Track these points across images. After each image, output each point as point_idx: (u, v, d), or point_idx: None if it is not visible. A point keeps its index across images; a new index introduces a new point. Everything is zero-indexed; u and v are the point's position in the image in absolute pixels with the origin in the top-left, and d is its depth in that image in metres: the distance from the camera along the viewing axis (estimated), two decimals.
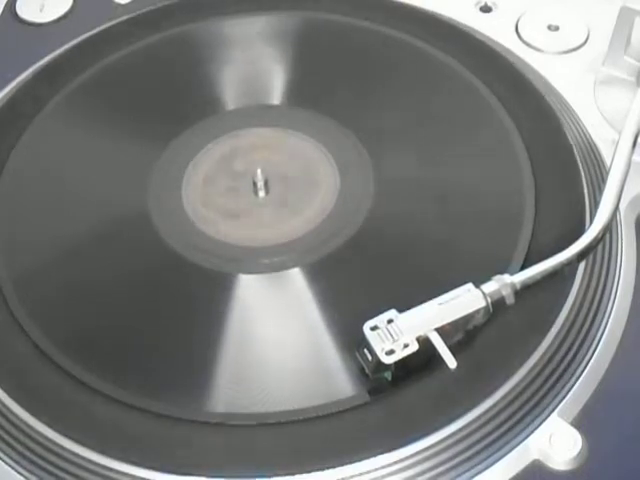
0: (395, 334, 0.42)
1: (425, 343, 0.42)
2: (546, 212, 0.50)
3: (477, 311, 0.43)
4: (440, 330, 0.42)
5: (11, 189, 0.54)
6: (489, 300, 0.43)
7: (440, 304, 0.43)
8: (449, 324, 0.43)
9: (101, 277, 0.50)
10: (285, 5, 0.63)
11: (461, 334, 0.44)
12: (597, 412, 0.44)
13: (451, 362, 0.41)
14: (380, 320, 0.43)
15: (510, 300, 0.44)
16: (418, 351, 0.42)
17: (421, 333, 0.42)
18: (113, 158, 0.56)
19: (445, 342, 0.42)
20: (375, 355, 0.42)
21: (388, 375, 0.43)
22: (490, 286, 0.44)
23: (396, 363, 0.42)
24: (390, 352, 0.42)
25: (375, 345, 0.42)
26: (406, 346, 0.42)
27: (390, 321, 0.43)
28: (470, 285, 0.44)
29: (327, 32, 0.62)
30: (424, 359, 0.42)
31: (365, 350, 0.43)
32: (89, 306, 0.49)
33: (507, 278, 0.44)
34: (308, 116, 0.58)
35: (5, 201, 0.54)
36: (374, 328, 0.43)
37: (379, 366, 0.42)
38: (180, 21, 0.63)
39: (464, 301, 0.43)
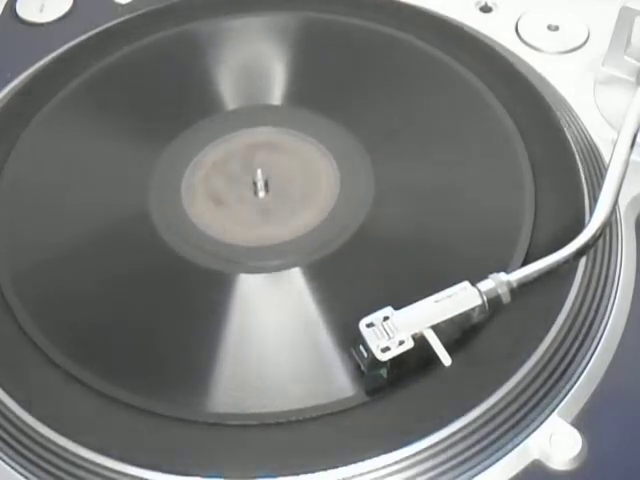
0: (390, 331, 0.42)
1: (421, 341, 0.42)
2: (546, 212, 0.50)
3: (473, 309, 0.43)
4: (436, 328, 0.42)
5: (11, 188, 0.54)
6: (485, 298, 0.43)
7: (436, 302, 0.43)
8: (444, 322, 0.43)
9: (101, 277, 0.50)
10: (285, 5, 0.63)
11: (458, 333, 0.44)
12: (597, 412, 0.44)
13: (446, 360, 0.41)
14: (376, 317, 0.43)
15: (506, 298, 0.44)
16: (414, 349, 0.42)
17: (416, 330, 0.42)
18: (113, 158, 0.56)
19: (441, 340, 0.42)
20: (370, 352, 0.42)
21: (384, 372, 0.43)
22: (486, 284, 0.44)
23: (392, 360, 0.42)
24: (385, 349, 0.42)
25: (370, 342, 0.42)
26: (401, 343, 0.42)
27: (386, 318, 0.43)
28: (466, 283, 0.44)
29: (327, 32, 0.62)
30: (421, 357, 0.42)
31: (361, 347, 0.43)
32: (90, 306, 0.49)
33: (503, 276, 0.44)
34: (308, 116, 0.58)
35: (5, 200, 0.54)
36: (370, 325, 0.43)
37: (374, 363, 0.42)
38: (180, 21, 0.63)
39: (460, 299, 0.43)
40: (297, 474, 0.41)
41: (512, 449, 0.42)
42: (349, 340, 0.44)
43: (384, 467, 0.41)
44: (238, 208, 0.54)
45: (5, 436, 0.44)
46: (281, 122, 0.58)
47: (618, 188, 0.48)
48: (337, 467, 0.41)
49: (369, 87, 0.59)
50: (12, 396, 0.44)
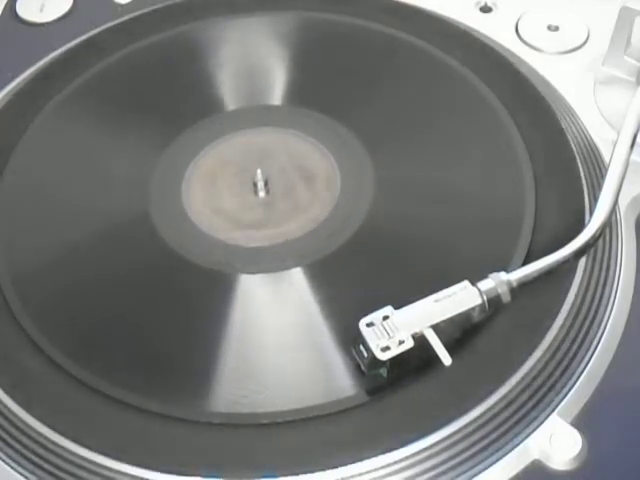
0: (390, 331, 0.42)
1: (421, 340, 0.42)
2: (546, 212, 0.50)
3: (473, 308, 0.43)
4: (436, 327, 0.42)
5: (12, 188, 0.54)
6: (485, 297, 0.43)
7: (436, 301, 0.43)
8: (444, 321, 0.43)
9: (101, 277, 0.50)
10: (285, 5, 0.63)
11: (458, 332, 0.44)
12: (597, 412, 0.43)
13: (446, 359, 0.41)
14: (376, 316, 0.43)
15: (506, 298, 0.44)
16: (414, 348, 0.42)
17: (416, 330, 0.42)
18: (113, 158, 0.56)
19: (441, 339, 0.42)
20: (370, 351, 0.42)
21: (384, 372, 0.43)
22: (486, 284, 0.44)
23: (392, 360, 0.42)
24: (385, 348, 0.42)
25: (370, 341, 0.42)
26: (401, 343, 0.42)
27: (386, 317, 0.43)
28: (466, 282, 0.44)
29: (327, 32, 0.62)
30: (421, 357, 0.42)
31: (361, 346, 0.43)
32: (89, 306, 0.49)
33: (503, 276, 0.44)
34: (308, 116, 0.58)
35: (6, 200, 0.54)
36: (370, 324, 0.43)
37: (374, 362, 0.42)
38: (180, 21, 0.63)
39: (460, 298, 0.43)
40: (296, 474, 0.41)
41: (512, 449, 0.42)
42: (349, 340, 0.44)
43: (384, 467, 0.41)
44: (238, 208, 0.54)
45: (5, 436, 0.44)
46: (281, 122, 0.58)
47: (618, 188, 0.48)
48: (337, 467, 0.41)
49: (369, 87, 0.59)
50: (12, 396, 0.44)
